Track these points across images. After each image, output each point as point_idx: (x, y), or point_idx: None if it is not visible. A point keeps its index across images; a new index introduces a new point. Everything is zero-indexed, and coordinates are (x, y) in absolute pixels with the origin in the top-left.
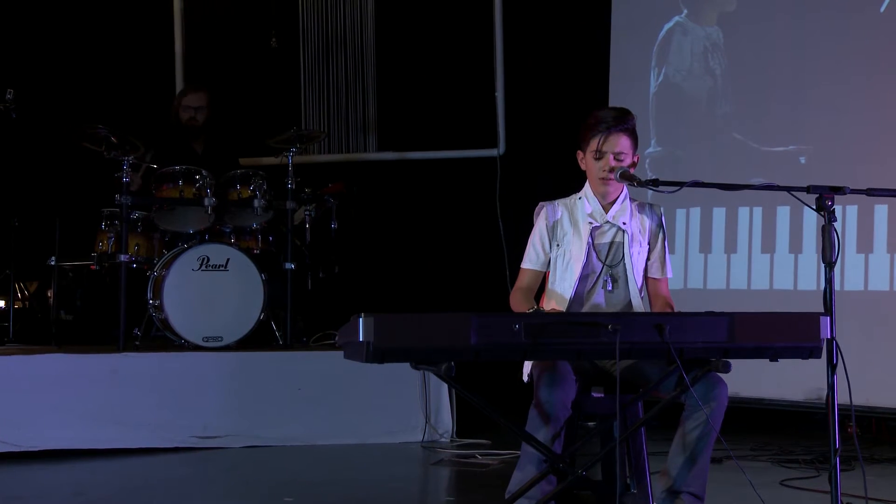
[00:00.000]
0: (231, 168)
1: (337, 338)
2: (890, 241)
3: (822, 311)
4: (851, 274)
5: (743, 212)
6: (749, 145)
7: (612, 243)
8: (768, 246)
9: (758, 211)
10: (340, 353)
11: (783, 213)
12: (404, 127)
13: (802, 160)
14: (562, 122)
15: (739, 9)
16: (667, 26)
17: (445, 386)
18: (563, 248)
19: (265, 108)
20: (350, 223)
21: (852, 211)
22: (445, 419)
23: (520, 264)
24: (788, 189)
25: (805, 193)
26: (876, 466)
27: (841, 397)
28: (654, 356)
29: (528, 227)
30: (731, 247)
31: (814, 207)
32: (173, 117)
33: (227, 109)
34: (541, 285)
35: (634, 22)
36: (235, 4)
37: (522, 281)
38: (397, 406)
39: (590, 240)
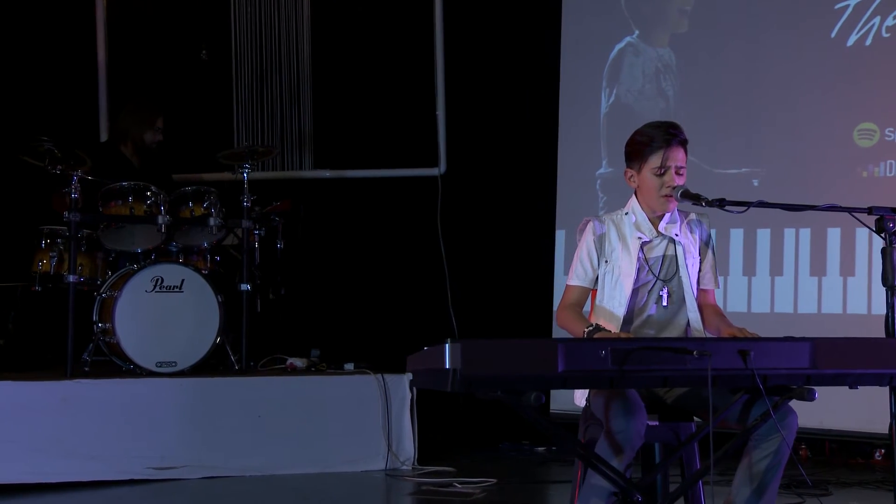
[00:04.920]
0: (164, 183)
1: (407, 365)
2: None
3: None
4: (880, 297)
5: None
6: (702, 167)
7: (664, 257)
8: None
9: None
10: (299, 379)
11: (763, 235)
12: (342, 144)
13: (755, 182)
14: (505, 141)
15: (691, 30)
16: (618, 46)
17: (408, 413)
18: (612, 265)
19: (196, 123)
20: (296, 243)
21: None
22: (407, 447)
23: (566, 280)
24: (849, 210)
25: (866, 215)
26: (854, 490)
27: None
28: (737, 384)
29: (469, 246)
30: None
31: (874, 229)
32: (134, 135)
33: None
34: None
35: (585, 41)
36: (162, 14)
37: (570, 298)
38: (358, 433)
39: (640, 255)
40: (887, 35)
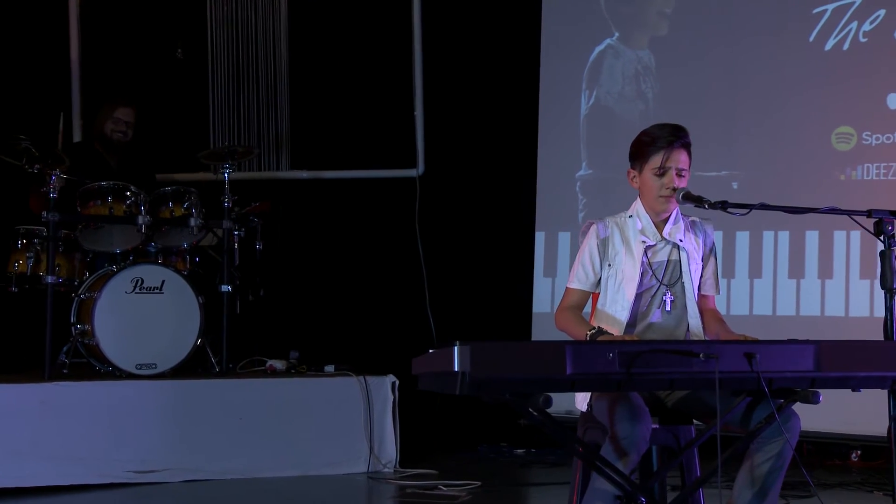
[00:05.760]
0: (143, 183)
1: (412, 367)
2: None
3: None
4: (857, 299)
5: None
6: None
7: (668, 261)
8: None
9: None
10: (281, 381)
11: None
12: (319, 145)
13: (734, 185)
14: (484, 142)
15: (671, 33)
16: (598, 48)
17: (390, 415)
18: (615, 268)
19: (171, 122)
20: (275, 244)
21: (855, 236)
22: (389, 449)
23: (566, 284)
24: (849, 213)
25: (865, 217)
26: (835, 491)
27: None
28: (742, 386)
29: (448, 248)
30: None
31: (872, 232)
32: (96, 128)
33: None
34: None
35: (565, 43)
36: (137, 12)
37: (570, 300)
38: (340, 436)
39: (644, 259)
40: (864, 40)
